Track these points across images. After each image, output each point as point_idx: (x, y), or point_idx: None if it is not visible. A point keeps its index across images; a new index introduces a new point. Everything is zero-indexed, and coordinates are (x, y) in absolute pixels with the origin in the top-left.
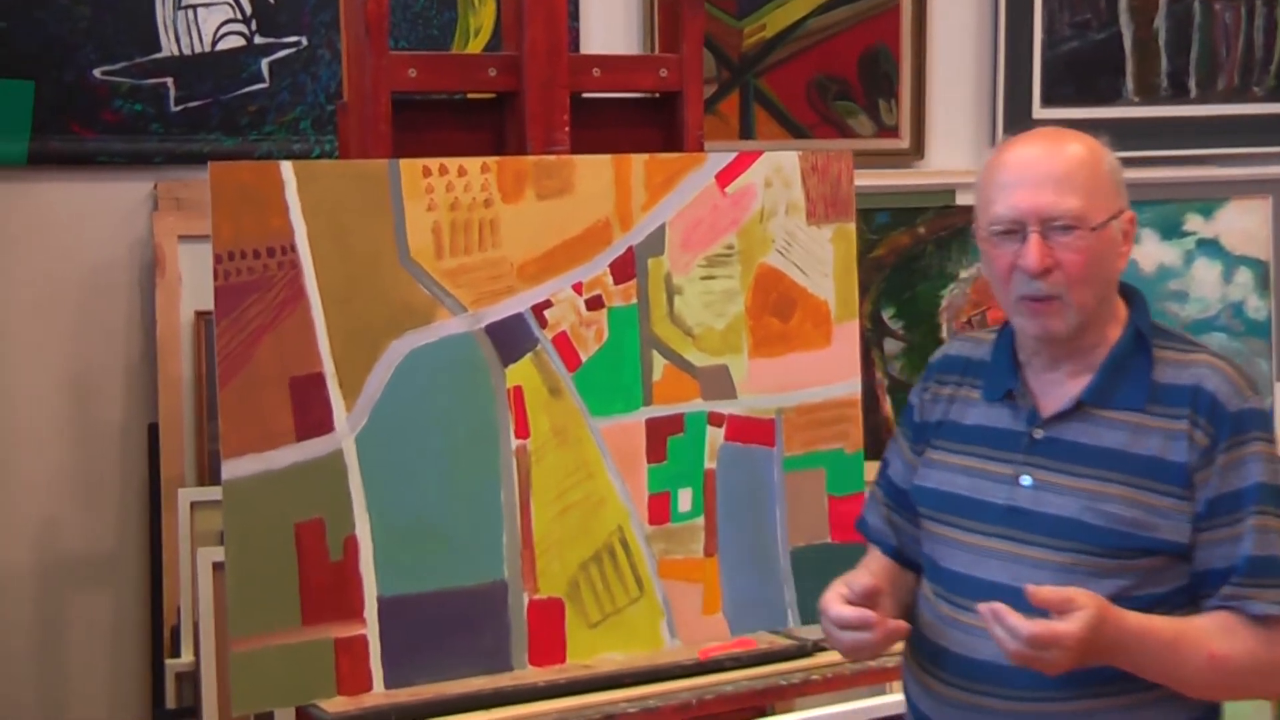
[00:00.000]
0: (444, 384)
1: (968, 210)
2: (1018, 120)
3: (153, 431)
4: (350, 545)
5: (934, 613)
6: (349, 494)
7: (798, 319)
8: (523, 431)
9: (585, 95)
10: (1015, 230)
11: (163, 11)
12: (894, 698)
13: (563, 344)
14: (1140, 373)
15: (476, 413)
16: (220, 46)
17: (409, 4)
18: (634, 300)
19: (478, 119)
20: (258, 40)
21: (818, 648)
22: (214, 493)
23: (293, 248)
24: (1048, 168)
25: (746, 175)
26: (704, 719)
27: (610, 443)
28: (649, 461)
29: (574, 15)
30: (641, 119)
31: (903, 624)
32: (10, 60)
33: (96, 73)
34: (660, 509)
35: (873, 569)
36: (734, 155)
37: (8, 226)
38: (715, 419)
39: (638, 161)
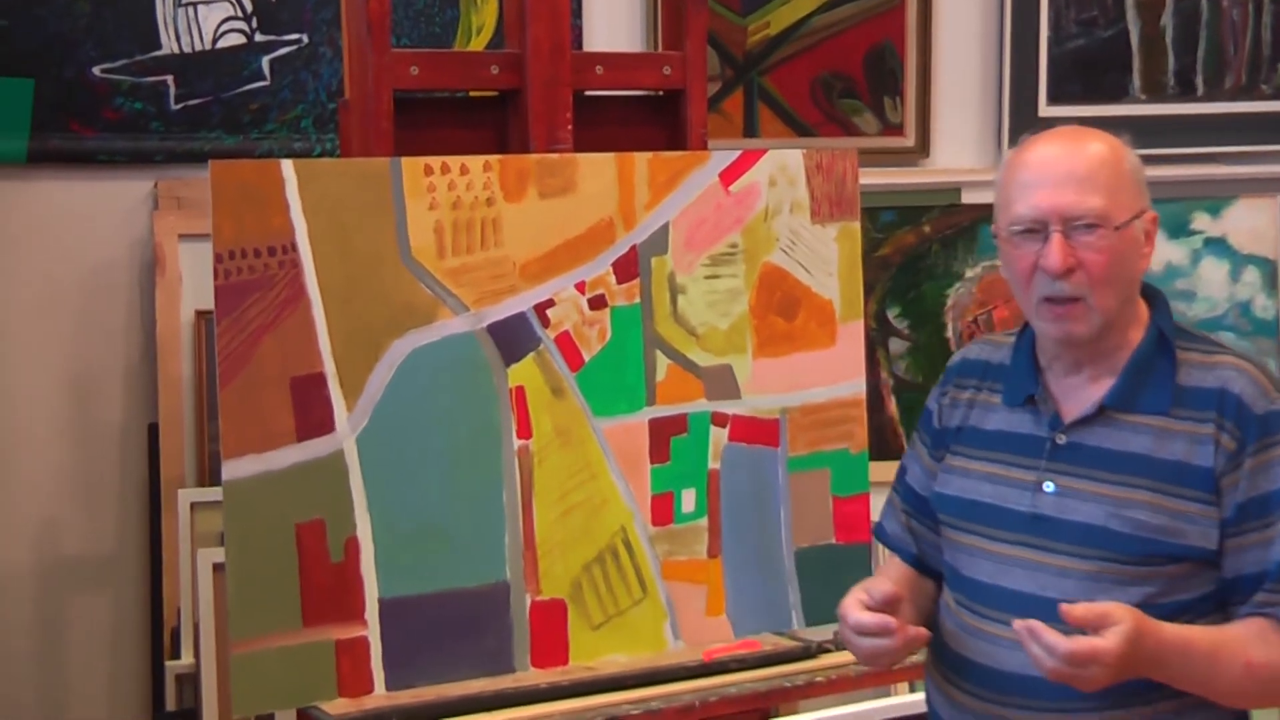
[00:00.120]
0: (446, 384)
1: (973, 209)
2: (1024, 118)
3: (153, 432)
4: (351, 546)
5: (956, 622)
6: (350, 495)
7: (802, 318)
8: (525, 432)
9: (588, 93)
10: (1037, 230)
11: (163, 9)
12: (899, 700)
13: (565, 344)
14: (1164, 376)
15: (478, 413)
16: (221, 44)
17: (411, 1)
18: (637, 300)
19: (480, 117)
20: (258, 38)
21: (822, 649)
22: (214, 493)
23: (294, 247)
24: (1070, 166)
25: (750, 174)
26: None
27: (613, 443)
28: (652, 462)
29: (577, 13)
30: (645, 117)
31: (923, 631)
32: (10, 58)
33: (96, 71)
34: (664, 510)
35: (892, 576)
36: (738, 154)
37: (7, 225)
38: (719, 419)
39: (641, 160)
